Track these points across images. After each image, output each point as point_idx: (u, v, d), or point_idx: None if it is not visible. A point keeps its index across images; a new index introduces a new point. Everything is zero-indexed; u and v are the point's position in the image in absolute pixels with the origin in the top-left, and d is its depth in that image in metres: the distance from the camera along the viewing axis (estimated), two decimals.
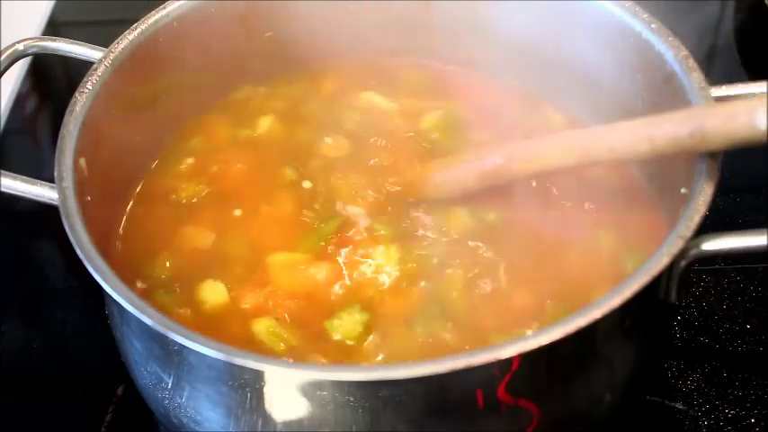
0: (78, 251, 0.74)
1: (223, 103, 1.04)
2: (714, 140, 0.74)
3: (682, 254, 0.72)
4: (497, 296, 0.84)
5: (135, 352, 0.79)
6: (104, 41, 0.92)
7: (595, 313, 0.67)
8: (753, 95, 0.81)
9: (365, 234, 0.89)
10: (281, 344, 0.81)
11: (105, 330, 0.85)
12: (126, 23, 0.93)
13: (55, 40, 0.94)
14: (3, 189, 0.82)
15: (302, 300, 0.85)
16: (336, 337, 0.81)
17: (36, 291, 1.08)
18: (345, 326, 0.82)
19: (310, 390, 0.68)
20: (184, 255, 0.89)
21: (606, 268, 0.85)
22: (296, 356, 0.80)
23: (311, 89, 1.05)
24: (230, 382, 0.71)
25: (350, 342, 0.81)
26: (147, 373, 0.78)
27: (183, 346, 0.68)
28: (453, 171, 0.92)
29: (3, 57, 0.89)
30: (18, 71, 1.32)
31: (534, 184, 0.91)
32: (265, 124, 1.01)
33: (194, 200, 0.94)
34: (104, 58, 0.89)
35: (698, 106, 0.80)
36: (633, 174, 0.93)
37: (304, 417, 0.70)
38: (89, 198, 0.81)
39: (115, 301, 0.72)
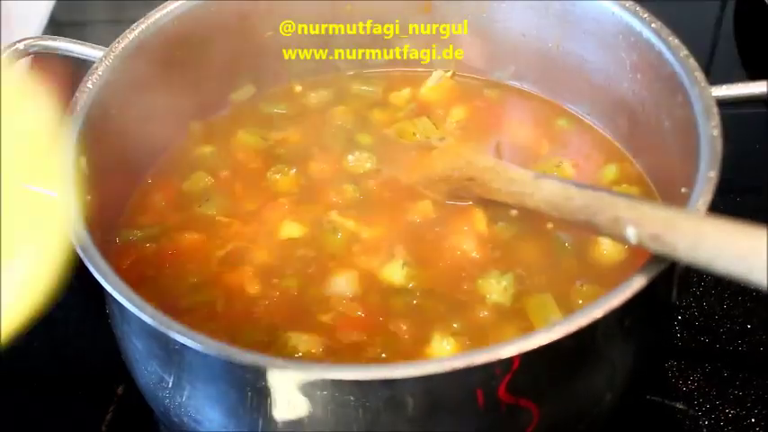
0: (78, 251, 0.74)
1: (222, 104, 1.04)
2: (605, 233, 0.75)
3: None
4: None
5: (135, 351, 0.79)
6: (104, 41, 0.92)
7: (596, 313, 0.67)
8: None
9: None
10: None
11: (105, 330, 0.85)
12: (126, 23, 0.93)
13: (55, 40, 0.94)
14: None
15: None
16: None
17: None
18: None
19: (311, 389, 0.68)
20: None
21: None
22: None
23: None
24: (230, 381, 0.71)
25: None
26: (147, 372, 0.78)
27: (184, 345, 0.68)
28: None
29: (3, 56, 0.89)
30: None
31: None
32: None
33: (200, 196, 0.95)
34: (104, 57, 0.89)
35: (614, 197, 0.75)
36: (634, 172, 0.94)
37: (304, 416, 0.70)
38: (89, 198, 0.81)
39: (115, 300, 0.72)
